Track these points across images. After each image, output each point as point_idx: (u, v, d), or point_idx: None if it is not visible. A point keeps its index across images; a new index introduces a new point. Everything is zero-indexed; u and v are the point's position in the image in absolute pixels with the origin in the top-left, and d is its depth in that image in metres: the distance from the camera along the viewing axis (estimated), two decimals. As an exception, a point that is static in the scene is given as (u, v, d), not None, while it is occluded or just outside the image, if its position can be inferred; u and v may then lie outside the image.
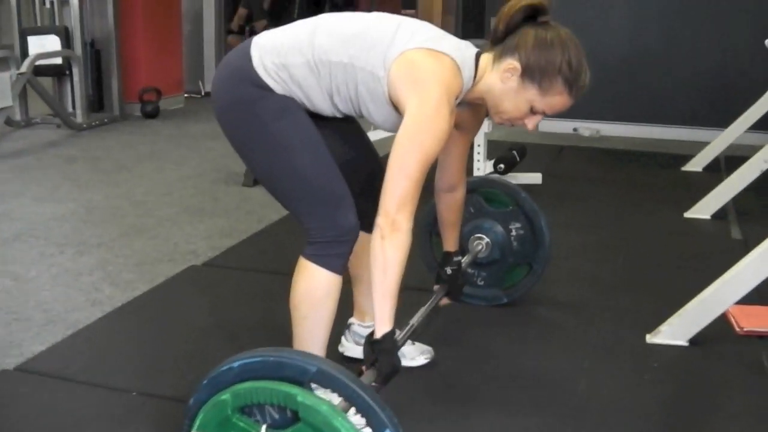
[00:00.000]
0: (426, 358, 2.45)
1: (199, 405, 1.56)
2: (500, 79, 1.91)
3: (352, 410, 1.53)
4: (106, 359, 2.49)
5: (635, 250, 3.56)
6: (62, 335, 2.66)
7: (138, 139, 6.11)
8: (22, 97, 6.28)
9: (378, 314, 1.83)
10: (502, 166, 4.28)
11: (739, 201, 3.98)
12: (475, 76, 1.94)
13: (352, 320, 2.44)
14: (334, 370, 1.50)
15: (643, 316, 2.75)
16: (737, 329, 2.63)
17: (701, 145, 5.20)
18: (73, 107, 6.53)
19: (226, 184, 4.77)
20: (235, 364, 1.53)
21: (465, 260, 2.64)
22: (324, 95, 1.94)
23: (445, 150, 2.19)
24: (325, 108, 1.97)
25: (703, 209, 3.97)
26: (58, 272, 3.27)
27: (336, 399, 1.53)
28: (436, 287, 2.42)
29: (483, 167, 4.38)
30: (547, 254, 2.79)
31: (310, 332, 1.97)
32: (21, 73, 5.69)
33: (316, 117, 1.99)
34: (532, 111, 1.93)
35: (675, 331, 2.55)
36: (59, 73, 6.46)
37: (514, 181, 4.45)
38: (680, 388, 2.34)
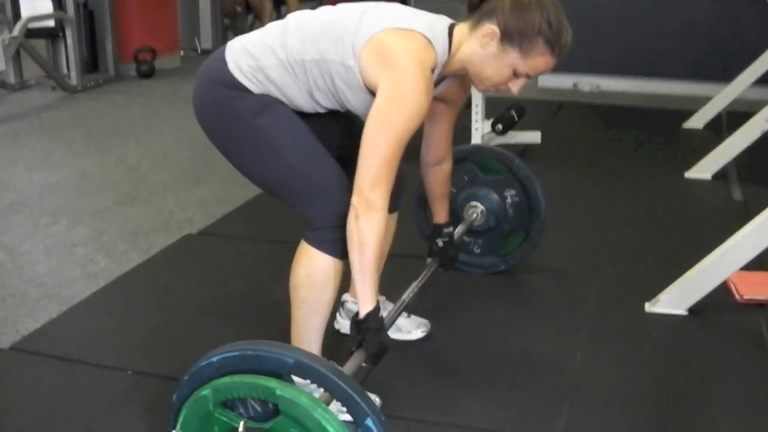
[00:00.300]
0: (422, 332, 2.43)
1: (182, 401, 1.55)
2: (480, 45, 1.87)
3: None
4: (101, 337, 2.48)
5: (635, 213, 3.52)
6: (57, 311, 2.64)
7: (133, 100, 6.04)
8: (16, 59, 6.19)
9: (360, 294, 1.83)
10: (500, 126, 4.22)
11: (740, 160, 3.92)
12: (450, 48, 1.90)
13: (346, 297, 2.42)
14: (312, 362, 1.49)
15: (643, 284, 2.72)
16: (737, 297, 2.60)
17: (703, 100, 5.12)
18: (68, 69, 6.45)
19: None
20: (215, 359, 1.52)
21: (459, 229, 2.62)
22: (303, 93, 1.92)
23: (431, 123, 2.18)
24: (304, 105, 1.95)
25: (703, 169, 3.93)
26: (52, 244, 3.24)
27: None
28: (428, 260, 2.40)
29: (481, 127, 4.32)
30: (543, 221, 2.76)
31: (309, 315, 1.95)
32: (13, 37, 5.59)
33: (301, 114, 1.97)
34: (515, 74, 1.89)
35: (674, 300, 2.53)
36: (52, 35, 6.36)
37: (513, 140, 4.44)
38: (678, 362, 2.32)
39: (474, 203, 2.75)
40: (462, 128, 3.91)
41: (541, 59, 1.86)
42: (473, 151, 2.81)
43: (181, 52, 7.72)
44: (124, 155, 4.54)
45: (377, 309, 1.84)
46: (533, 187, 2.73)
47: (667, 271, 2.70)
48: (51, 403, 2.11)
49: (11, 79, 6.27)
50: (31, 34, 5.98)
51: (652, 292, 2.62)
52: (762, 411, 2.10)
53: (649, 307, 2.57)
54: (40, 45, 6.42)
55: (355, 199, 1.79)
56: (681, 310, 2.53)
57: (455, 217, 2.73)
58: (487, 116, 4.37)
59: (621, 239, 3.22)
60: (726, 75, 5.08)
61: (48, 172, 4.22)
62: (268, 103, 1.91)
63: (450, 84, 2.08)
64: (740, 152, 3.85)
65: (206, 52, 8.17)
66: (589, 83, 6.19)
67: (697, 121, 4.92)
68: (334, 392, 1.48)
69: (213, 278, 2.88)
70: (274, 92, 1.92)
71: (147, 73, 6.80)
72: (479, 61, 1.89)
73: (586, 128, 5.15)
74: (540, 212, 2.74)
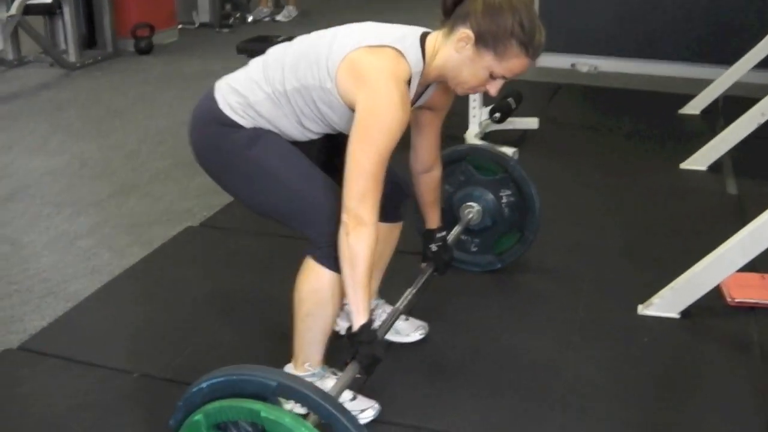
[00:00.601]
0: (420, 334, 2.49)
1: (179, 425, 1.62)
2: (455, 49, 1.90)
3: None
4: (106, 336, 2.53)
5: (628, 209, 3.55)
6: (63, 308, 2.70)
7: (131, 79, 6.04)
8: (14, 36, 6.16)
9: (353, 307, 1.89)
10: (498, 114, 4.25)
11: (735, 152, 3.95)
12: (424, 56, 1.93)
13: (347, 300, 2.46)
14: (293, 383, 1.56)
15: (635, 285, 2.78)
16: (728, 299, 2.66)
17: (701, 83, 5.14)
18: (66, 45, 6.44)
19: None
20: (204, 385, 1.59)
21: (456, 230, 2.66)
22: (292, 123, 1.98)
23: (418, 132, 2.23)
24: (296, 135, 2.01)
25: (699, 161, 3.96)
26: (54, 236, 3.29)
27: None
28: (423, 265, 2.44)
29: (479, 114, 4.35)
30: (538, 221, 2.80)
31: (312, 329, 2.02)
32: (11, 16, 5.58)
33: (295, 142, 2.02)
34: (492, 77, 1.92)
35: (666, 303, 2.58)
36: (50, 11, 6.34)
37: (510, 127, 4.47)
38: (668, 366, 2.38)
39: (470, 203, 2.80)
40: (458, 115, 3.95)
41: (516, 61, 1.89)
42: (469, 152, 2.85)
43: (179, 26, 7.70)
44: (123, 140, 4.56)
45: (370, 322, 1.90)
46: (528, 187, 2.77)
47: (661, 271, 2.76)
48: (60, 406, 2.17)
49: (9, 55, 6.25)
50: (28, 10, 5.95)
51: (645, 293, 2.67)
52: (748, 413, 2.16)
53: (642, 310, 2.62)
54: (38, 21, 6.40)
55: (344, 216, 1.84)
56: (673, 314, 2.58)
57: (452, 216, 2.78)
58: (485, 103, 4.40)
59: (615, 236, 3.27)
60: (725, 58, 5.10)
61: (48, 157, 4.24)
62: (260, 134, 1.97)
63: (434, 91, 2.11)
64: (736, 144, 3.87)
65: (204, 26, 8.15)
66: (587, 64, 6.20)
67: (695, 107, 4.94)
68: (316, 411, 1.55)
69: (215, 274, 2.93)
70: (265, 125, 1.98)
71: (145, 50, 6.79)
72: (455, 65, 1.93)
73: (583, 113, 5.17)
74: (535, 212, 2.79)
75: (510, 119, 4.44)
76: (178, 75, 6.21)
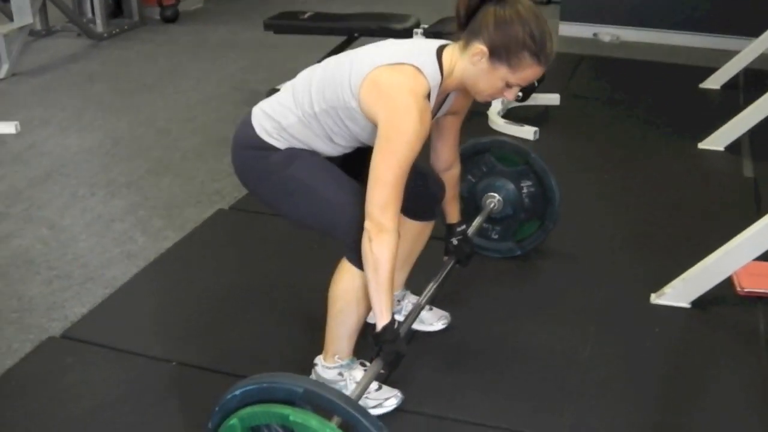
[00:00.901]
0: (443, 324, 2.62)
1: (215, 429, 1.77)
2: (471, 63, 1.99)
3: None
4: (144, 324, 2.67)
5: (646, 191, 3.64)
6: (101, 295, 2.84)
7: (158, 50, 6.14)
8: (42, 6, 6.28)
9: (376, 308, 2.02)
10: (520, 94, 4.31)
11: (753, 133, 4.01)
12: (441, 70, 2.02)
13: None
14: (318, 389, 1.70)
15: (650, 272, 2.89)
16: (738, 289, 2.76)
17: (723, 54, 5.16)
18: (93, 14, 6.54)
19: (248, 105, 4.68)
20: (237, 392, 1.73)
21: (478, 220, 2.77)
22: (324, 141, 2.10)
23: (438, 135, 2.35)
24: (328, 150, 2.14)
25: (717, 141, 4.03)
26: (91, 219, 3.42)
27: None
28: (445, 258, 2.56)
29: (501, 93, 4.42)
30: (557, 211, 2.91)
31: (344, 324, 2.15)
32: (39, -11, 5.69)
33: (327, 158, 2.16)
34: (508, 85, 2.01)
35: (678, 294, 2.69)
36: (77, -18, 6.45)
37: (533, 103, 4.54)
38: (677, 357, 2.50)
39: (492, 193, 2.90)
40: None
41: (530, 71, 1.97)
42: (493, 144, 2.94)
43: (204, -8, 7.77)
44: (154, 115, 4.68)
45: (392, 322, 2.03)
46: (549, 179, 2.87)
47: (675, 257, 2.89)
48: (103, 394, 2.32)
49: (37, 26, 6.37)
50: (56, -19, 6.07)
51: (658, 280, 2.78)
52: (753, 401, 2.29)
53: (655, 299, 2.73)
54: (65, -9, 6.51)
55: (367, 224, 1.96)
56: (684, 303, 2.69)
57: (474, 205, 2.89)
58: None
59: (631, 220, 3.37)
60: (749, 29, 5.12)
61: (81, 134, 4.37)
62: (295, 153, 2.10)
63: (455, 98, 2.21)
64: (755, 125, 3.93)
65: (228, -9, 8.20)
66: (609, 34, 6.22)
67: (715, 82, 4.99)
68: (339, 414, 1.69)
69: (246, 257, 3.06)
70: (299, 145, 2.11)
71: (171, 18, 6.88)
72: (473, 77, 2.02)
73: (604, 87, 5.22)
74: (555, 203, 2.89)
75: (533, 95, 4.51)
76: (205, 44, 6.30)
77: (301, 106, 2.06)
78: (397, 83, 1.95)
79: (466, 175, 2.89)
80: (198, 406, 2.22)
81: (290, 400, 1.70)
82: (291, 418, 1.66)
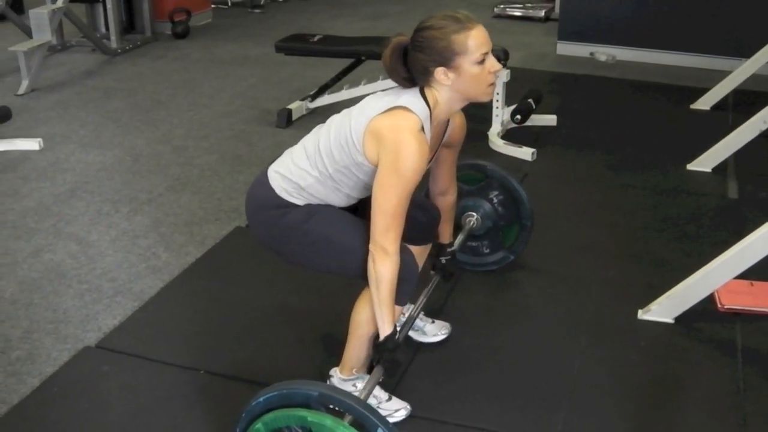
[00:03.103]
0: (444, 334, 2.86)
1: None
2: (444, 84, 2.23)
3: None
4: (173, 334, 2.90)
5: (636, 209, 3.89)
6: (131, 308, 3.07)
7: (171, 66, 6.38)
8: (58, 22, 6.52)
9: (378, 320, 2.28)
10: (518, 116, 4.55)
11: (740, 153, 4.24)
12: (428, 103, 2.26)
13: None
14: (331, 392, 1.97)
15: (638, 288, 3.14)
16: (719, 306, 2.99)
17: (716, 74, 5.40)
18: (107, 30, 6.77)
19: (259, 124, 5.08)
20: (261, 399, 1.98)
21: (460, 237, 3.01)
22: (340, 197, 2.35)
23: (436, 165, 2.60)
24: (343, 202, 2.38)
25: (704, 162, 4.27)
26: (116, 234, 3.66)
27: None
28: (432, 272, 2.81)
29: (501, 113, 4.66)
30: (529, 208, 3.12)
31: (363, 345, 2.40)
32: (58, 8, 5.92)
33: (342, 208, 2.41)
34: (480, 63, 2.20)
35: (663, 310, 2.92)
36: (93, 0, 6.69)
37: (531, 124, 4.77)
38: (660, 369, 2.73)
39: (469, 213, 3.13)
40: (484, 108, 4.26)
41: (471, 41, 2.18)
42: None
43: (212, 6, 8.01)
44: (169, 132, 4.92)
45: (394, 333, 2.29)
46: (510, 182, 3.10)
47: (662, 274, 3.16)
48: (137, 402, 2.55)
49: (53, 41, 6.60)
50: (72, -1, 6.31)
51: (646, 296, 3.02)
52: (727, 410, 2.52)
53: (642, 315, 2.97)
54: (79, 9, 6.74)
55: (371, 247, 2.22)
56: (668, 319, 2.93)
57: (456, 227, 3.11)
58: (507, 102, 4.70)
59: (622, 237, 3.62)
60: (741, 50, 5.35)
61: (101, 151, 4.61)
62: (312, 209, 2.34)
63: (452, 124, 2.46)
64: (741, 147, 4.16)
65: (236, 5, 8.45)
66: (605, 53, 6.45)
67: (705, 103, 5.22)
68: (350, 412, 1.95)
69: (264, 274, 3.28)
70: (316, 201, 2.35)
71: (182, 34, 7.12)
72: (459, 92, 2.26)
73: (599, 108, 5.45)
74: (524, 201, 3.10)
75: (531, 117, 4.73)
76: (215, 61, 6.54)
77: (317, 167, 2.30)
78: (392, 125, 2.19)
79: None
80: (225, 411, 2.45)
81: (307, 404, 1.95)
82: (309, 419, 1.91)
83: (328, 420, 1.90)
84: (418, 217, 2.54)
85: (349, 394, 2.00)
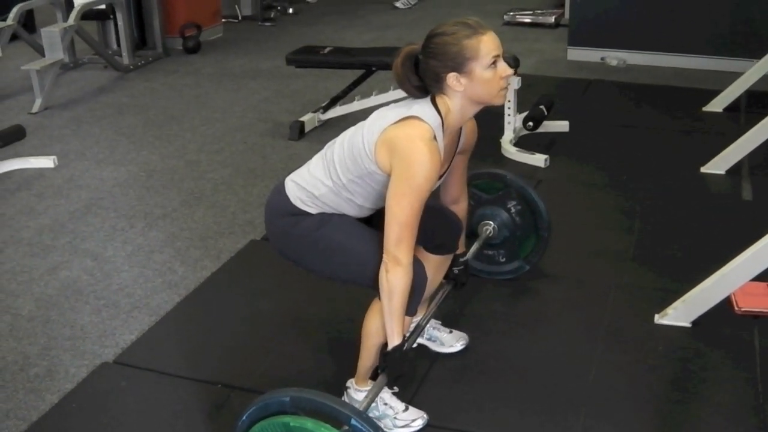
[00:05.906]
0: (461, 344, 2.85)
1: None
2: (457, 90, 2.23)
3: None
4: (190, 349, 2.91)
5: (651, 213, 3.87)
6: (148, 322, 3.09)
7: (182, 80, 6.42)
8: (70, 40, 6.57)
9: (388, 331, 2.28)
10: (531, 123, 4.54)
11: (753, 155, 4.23)
12: (439, 112, 2.26)
13: None
14: (300, 394, 2.01)
15: (654, 292, 3.13)
16: (736, 309, 2.98)
17: (727, 76, 5.38)
18: (118, 46, 6.82)
19: (273, 137, 5.10)
20: (245, 417, 2.04)
21: (475, 246, 3.01)
22: (353, 207, 2.36)
23: (448, 173, 2.57)
24: (356, 213, 2.39)
25: (718, 164, 4.25)
26: (132, 250, 3.68)
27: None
28: (443, 281, 2.80)
29: (513, 121, 4.66)
30: (547, 219, 3.12)
31: (375, 356, 2.39)
32: (69, 26, 5.97)
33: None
34: (493, 65, 2.21)
35: (679, 314, 2.91)
36: (104, 17, 6.74)
37: (543, 131, 4.77)
38: (678, 374, 2.72)
39: (486, 222, 3.13)
40: (495, 114, 4.26)
41: (483, 46, 2.19)
42: (472, 178, 3.06)
43: (223, 20, 8.05)
44: (183, 147, 4.94)
45: (402, 344, 2.30)
46: (529, 193, 3.10)
47: (678, 277, 3.15)
48: (156, 417, 2.56)
49: (66, 58, 6.65)
50: (83, 15, 6.34)
51: (662, 300, 3.01)
52: (748, 414, 2.50)
53: (658, 319, 2.95)
54: (91, 25, 6.80)
55: (384, 257, 2.22)
56: (685, 323, 2.91)
57: (470, 232, 3.10)
58: (518, 110, 4.70)
59: (637, 241, 3.60)
60: (752, 52, 5.33)
61: (115, 167, 4.64)
62: (325, 218, 2.36)
63: (464, 129, 2.46)
64: (754, 149, 4.14)
65: (247, 19, 8.49)
66: (616, 57, 6.45)
67: (717, 105, 5.20)
68: (319, 409, 1.97)
69: (280, 287, 3.29)
70: (329, 210, 2.36)
71: (193, 49, 7.16)
72: (471, 98, 2.26)
73: (611, 112, 5.44)
74: (542, 213, 3.11)
75: (543, 124, 4.73)
76: (227, 75, 6.57)
77: (332, 177, 2.31)
78: (405, 134, 2.20)
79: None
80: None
81: (284, 410, 1.99)
82: (291, 424, 1.96)
83: (309, 423, 1.94)
84: (441, 227, 2.55)
85: (317, 393, 2.01)
